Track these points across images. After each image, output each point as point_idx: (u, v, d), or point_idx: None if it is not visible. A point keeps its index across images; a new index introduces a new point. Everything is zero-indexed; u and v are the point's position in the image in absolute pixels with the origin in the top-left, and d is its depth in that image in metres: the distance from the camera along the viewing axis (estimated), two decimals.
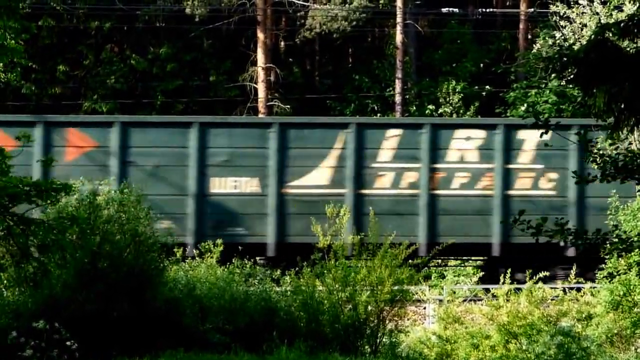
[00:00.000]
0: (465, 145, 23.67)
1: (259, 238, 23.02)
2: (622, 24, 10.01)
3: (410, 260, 16.06)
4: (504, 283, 16.93)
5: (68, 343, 13.60)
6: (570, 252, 22.95)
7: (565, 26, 33.99)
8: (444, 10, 43.21)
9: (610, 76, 9.86)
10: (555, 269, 22.74)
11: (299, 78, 41.10)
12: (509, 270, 17.75)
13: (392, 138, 23.59)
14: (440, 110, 38.18)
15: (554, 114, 33.13)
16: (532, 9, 39.98)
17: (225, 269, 16.56)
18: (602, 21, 30.28)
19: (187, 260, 17.29)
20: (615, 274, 16.79)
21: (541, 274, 17.07)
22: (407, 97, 39.15)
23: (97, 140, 23.16)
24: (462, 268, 28.94)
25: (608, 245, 10.92)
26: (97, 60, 38.11)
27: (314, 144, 23.45)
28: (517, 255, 22.58)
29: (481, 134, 23.76)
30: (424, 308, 20.84)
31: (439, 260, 26.06)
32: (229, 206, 23.18)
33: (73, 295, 14.43)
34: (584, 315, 16.69)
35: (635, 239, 10.99)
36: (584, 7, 33.39)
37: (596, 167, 10.80)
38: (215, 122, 24.44)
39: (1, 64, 16.71)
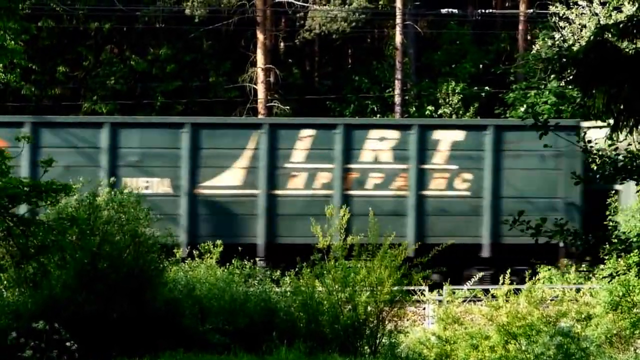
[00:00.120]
0: (379, 145, 23.60)
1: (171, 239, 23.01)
2: (621, 25, 10.03)
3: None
4: (503, 283, 16.95)
5: (68, 344, 13.59)
6: (485, 252, 22.93)
7: (564, 27, 34.02)
8: (444, 11, 43.21)
9: (610, 77, 9.88)
10: (471, 269, 22.72)
11: (299, 79, 41.11)
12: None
13: (305, 138, 23.48)
14: (439, 111, 38.20)
15: (554, 114, 33.14)
16: (532, 10, 40.00)
17: (225, 270, 16.58)
18: (602, 22, 30.29)
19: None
20: (614, 274, 16.78)
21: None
22: (407, 97, 39.17)
23: (9, 141, 22.90)
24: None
25: (607, 245, 10.93)
26: (96, 61, 38.11)
27: (226, 145, 23.29)
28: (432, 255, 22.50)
29: (395, 134, 23.68)
30: (424, 309, 20.84)
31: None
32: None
33: (73, 295, 14.43)
34: (583, 316, 16.71)
35: (635, 239, 11.01)
36: (583, 8, 33.41)
37: (596, 167, 10.81)
38: (126, 122, 24.27)
39: (1, 64, 16.71)
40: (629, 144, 10.92)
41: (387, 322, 15.87)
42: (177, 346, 14.42)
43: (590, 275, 18.68)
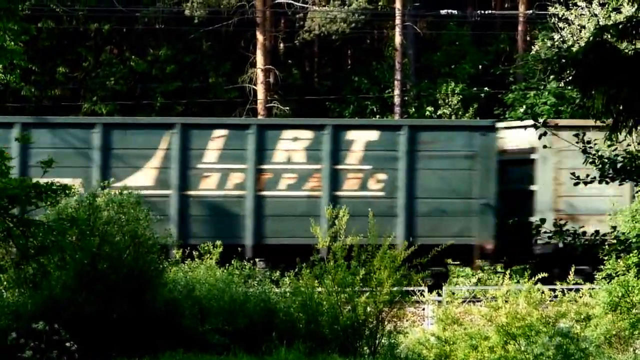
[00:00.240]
0: (292, 146, 23.46)
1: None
2: (620, 26, 10.06)
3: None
4: (502, 284, 16.95)
5: (68, 344, 13.61)
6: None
7: (563, 28, 34.02)
8: (443, 12, 43.25)
9: (609, 78, 9.90)
10: None
11: (298, 79, 41.14)
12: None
13: (218, 139, 23.32)
14: (439, 112, 38.22)
15: (553, 115, 33.15)
16: (531, 11, 40.02)
17: (225, 270, 16.60)
18: (601, 23, 30.31)
19: None
20: (613, 275, 16.81)
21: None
22: (406, 98, 39.19)
23: None
24: (461, 269, 28.95)
25: (606, 246, 10.95)
26: (96, 62, 38.13)
27: (138, 145, 23.05)
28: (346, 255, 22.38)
29: (309, 134, 23.53)
30: (423, 309, 20.85)
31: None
32: None
33: (73, 296, 14.45)
34: (582, 316, 16.71)
35: (634, 240, 11.02)
36: (582, 8, 33.42)
37: (595, 168, 10.82)
38: (37, 122, 23.93)
39: (1, 65, 16.73)
40: (628, 145, 10.94)
41: (386, 323, 15.89)
42: (176, 346, 14.44)
43: (503, 275, 18.59)
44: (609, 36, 10.14)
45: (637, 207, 19.13)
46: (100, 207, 15.28)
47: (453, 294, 17.76)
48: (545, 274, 17.19)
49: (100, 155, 22.90)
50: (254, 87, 38.55)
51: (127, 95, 37.56)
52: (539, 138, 11.14)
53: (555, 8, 34.37)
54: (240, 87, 38.76)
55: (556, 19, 34.35)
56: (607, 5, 32.07)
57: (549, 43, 35.18)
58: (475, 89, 39.07)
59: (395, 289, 15.70)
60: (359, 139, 23.43)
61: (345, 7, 38.13)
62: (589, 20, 32.83)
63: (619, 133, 10.36)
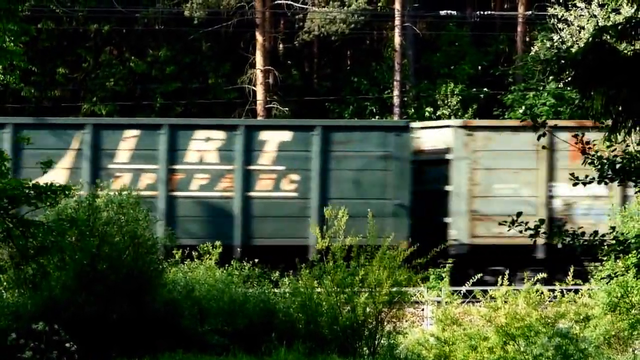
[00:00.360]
0: (204, 146, 23.34)
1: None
2: (619, 27, 10.06)
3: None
4: (501, 284, 16.97)
5: (67, 345, 13.62)
6: (313, 254, 22.54)
7: (563, 29, 34.03)
8: (442, 12, 43.25)
9: (608, 79, 9.90)
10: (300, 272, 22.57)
11: (298, 80, 41.14)
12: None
13: (129, 139, 23.18)
14: (438, 113, 38.23)
15: (552, 116, 33.16)
16: (530, 12, 40.04)
17: (224, 271, 16.61)
18: (600, 24, 30.33)
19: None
20: (613, 275, 16.82)
21: None
22: (406, 99, 39.20)
23: None
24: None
25: (606, 247, 10.95)
26: (96, 62, 38.14)
27: (49, 145, 22.73)
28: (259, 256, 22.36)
29: (221, 135, 23.42)
30: (422, 310, 20.87)
31: None
32: None
33: (72, 297, 14.47)
34: (581, 317, 16.72)
35: (633, 240, 11.02)
36: (581, 9, 33.43)
37: (594, 169, 10.82)
38: None
39: (1, 66, 16.74)
40: (627, 145, 10.95)
41: (385, 323, 15.91)
42: (176, 347, 14.46)
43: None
44: (608, 37, 10.14)
45: (636, 207, 19.14)
46: (100, 207, 15.31)
47: (452, 294, 17.77)
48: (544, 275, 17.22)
49: (11, 155, 22.80)
50: (253, 87, 38.56)
51: (127, 96, 37.57)
52: (538, 139, 11.06)
53: (555, 9, 34.37)
54: (240, 88, 38.77)
55: (555, 20, 34.34)
56: (606, 6, 32.08)
57: (548, 44, 35.18)
58: (474, 89, 39.08)
59: (394, 289, 15.72)
60: (272, 140, 23.34)
61: (345, 8, 38.13)
62: (588, 21, 32.83)
63: (618, 134, 10.36)
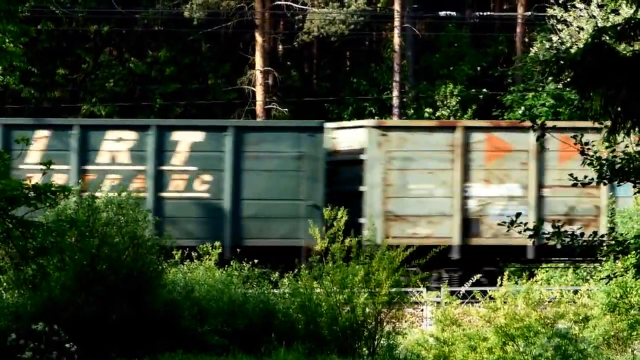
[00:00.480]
0: (116, 146, 23.16)
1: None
2: (618, 27, 10.07)
3: None
4: (501, 285, 16.99)
5: (67, 345, 13.64)
6: (227, 254, 22.26)
7: (562, 29, 34.07)
8: (442, 13, 43.25)
9: (607, 79, 9.91)
10: None
11: (297, 81, 41.16)
12: None
13: (40, 139, 22.96)
14: (437, 113, 38.24)
15: (551, 117, 33.18)
16: (529, 13, 40.06)
17: (224, 271, 16.62)
18: (599, 24, 30.35)
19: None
20: (612, 276, 16.84)
21: None
22: (405, 100, 39.22)
23: None
24: None
25: (605, 247, 10.96)
26: (95, 63, 38.14)
27: None
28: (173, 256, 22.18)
29: (133, 135, 23.27)
30: (422, 310, 20.88)
31: None
32: None
33: (72, 297, 14.49)
34: (581, 317, 16.74)
35: (632, 241, 11.04)
36: (580, 10, 33.47)
37: (594, 170, 10.81)
38: None
39: (1, 67, 16.75)
40: (626, 146, 10.96)
41: (385, 324, 15.92)
42: (176, 347, 14.48)
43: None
44: (607, 38, 10.15)
45: (635, 208, 19.17)
46: (100, 208, 15.33)
47: (451, 294, 17.79)
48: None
49: None
50: (252, 88, 38.58)
51: (127, 97, 37.58)
52: (537, 140, 11.07)
53: (554, 10, 34.41)
54: (239, 89, 38.79)
55: (554, 21, 34.40)
56: (605, 7, 32.13)
57: (547, 45, 35.22)
58: (473, 90, 39.08)
59: (393, 289, 15.74)
60: (184, 140, 23.21)
61: (344, 8, 38.15)
62: (587, 21, 32.89)
63: (617, 135, 10.37)
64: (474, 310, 17.37)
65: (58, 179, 22.53)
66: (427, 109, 38.39)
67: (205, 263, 17.08)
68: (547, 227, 10.83)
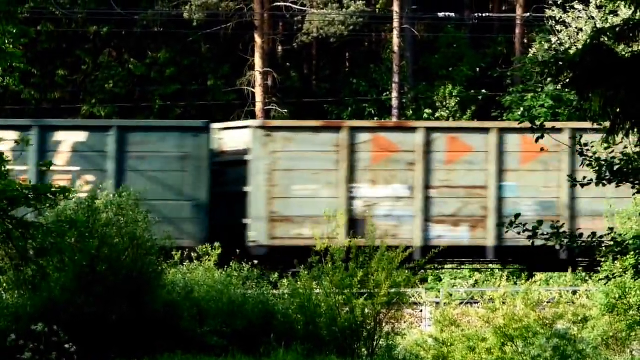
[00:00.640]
0: None
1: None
2: (617, 29, 10.10)
3: None
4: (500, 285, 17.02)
5: (67, 346, 13.64)
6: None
7: (561, 30, 34.10)
8: (441, 14, 43.31)
9: (606, 80, 9.93)
10: None
11: (297, 82, 41.19)
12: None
13: None
14: (437, 115, 38.28)
15: (550, 118, 33.22)
16: (528, 14, 40.09)
17: (223, 272, 16.64)
18: (598, 25, 30.39)
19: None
20: (610, 277, 16.87)
21: None
22: (404, 101, 39.25)
23: None
24: (459, 270, 28.98)
25: (603, 248, 10.97)
26: (95, 64, 38.18)
27: None
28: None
29: (14, 135, 22.36)
30: (421, 311, 20.91)
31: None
32: None
33: (72, 298, 14.50)
34: (579, 318, 16.77)
35: (631, 242, 11.05)
36: (579, 11, 33.51)
37: (593, 171, 10.82)
38: None
39: (0, 68, 16.78)
40: (625, 147, 10.97)
41: (384, 325, 15.94)
42: (175, 348, 14.50)
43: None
44: (606, 39, 10.17)
45: (634, 209, 19.17)
46: (99, 209, 15.35)
47: (450, 295, 17.82)
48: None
49: None
50: (252, 89, 38.60)
51: (126, 98, 37.61)
52: (536, 141, 11.02)
53: (553, 11, 34.45)
54: (239, 90, 38.82)
55: (553, 22, 34.43)
56: (604, 8, 32.16)
57: (546, 46, 35.26)
58: (472, 91, 39.12)
59: (392, 290, 15.76)
60: (67, 140, 23.02)
61: (344, 10, 38.18)
62: (586, 22, 32.92)
63: (616, 136, 10.38)
64: (473, 310, 17.41)
65: None
66: (427, 110, 38.43)
67: (204, 264, 17.11)
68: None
